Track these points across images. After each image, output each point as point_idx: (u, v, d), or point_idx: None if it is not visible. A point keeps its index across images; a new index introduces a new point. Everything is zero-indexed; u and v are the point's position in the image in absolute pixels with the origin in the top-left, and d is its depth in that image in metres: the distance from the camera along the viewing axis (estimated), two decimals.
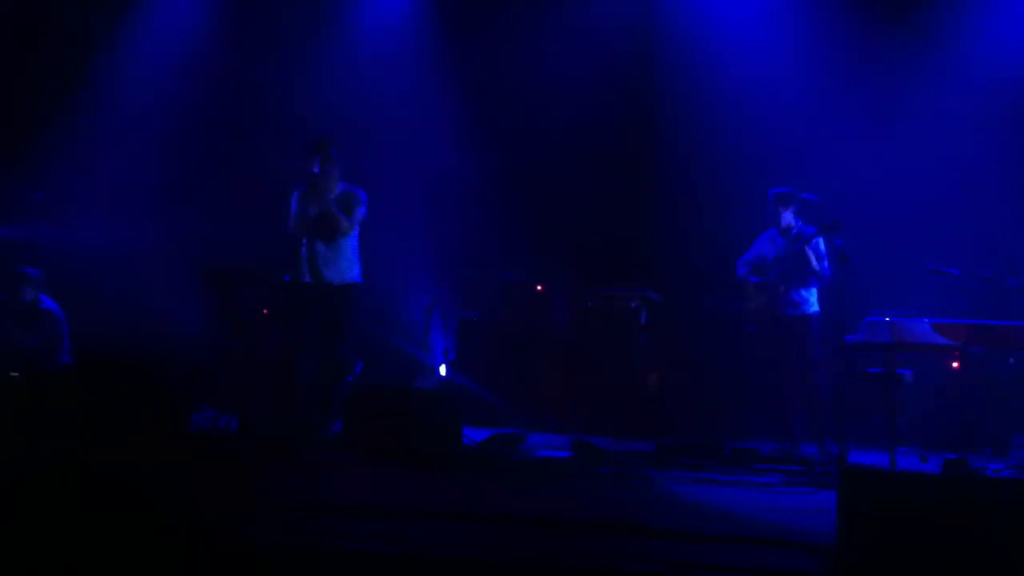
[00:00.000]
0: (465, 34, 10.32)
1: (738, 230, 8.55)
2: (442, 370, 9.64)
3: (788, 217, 8.14)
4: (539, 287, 9.97)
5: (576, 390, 9.46)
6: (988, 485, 5.10)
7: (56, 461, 4.62)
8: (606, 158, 10.11)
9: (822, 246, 8.03)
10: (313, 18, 10.52)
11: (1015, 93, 9.07)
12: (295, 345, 7.78)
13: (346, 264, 7.82)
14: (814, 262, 7.97)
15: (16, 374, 8.16)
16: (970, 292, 8.09)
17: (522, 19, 10.22)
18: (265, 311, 8.51)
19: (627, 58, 10.06)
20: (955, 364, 8.31)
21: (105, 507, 4.37)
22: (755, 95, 9.64)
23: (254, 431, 7.54)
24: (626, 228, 9.99)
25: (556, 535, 5.01)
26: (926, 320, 7.72)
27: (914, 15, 9.36)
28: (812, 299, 8.11)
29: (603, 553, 4.71)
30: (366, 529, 4.89)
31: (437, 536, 4.85)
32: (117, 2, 10.49)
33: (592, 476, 6.88)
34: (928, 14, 9.37)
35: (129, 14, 10.53)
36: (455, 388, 9.18)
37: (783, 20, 9.83)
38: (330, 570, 4.45)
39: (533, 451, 7.68)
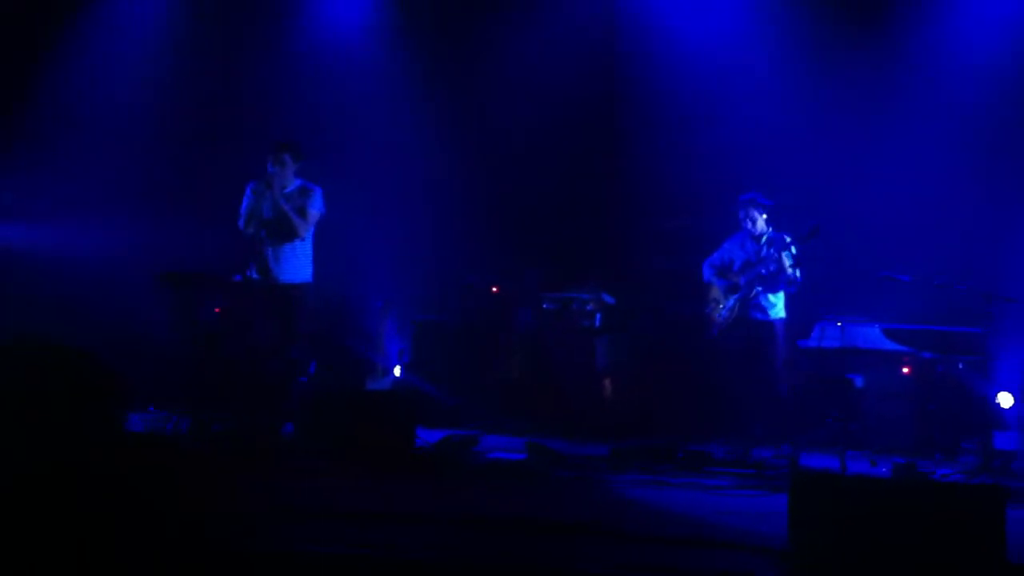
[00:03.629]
0: (430, 40, 10.29)
1: (697, 234, 8.58)
2: (396, 371, 9.60)
3: (760, 222, 8.14)
4: (495, 289, 9.95)
5: (531, 392, 9.44)
6: (935, 489, 5.16)
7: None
8: (567, 162, 10.12)
9: (794, 251, 8.05)
10: (278, 23, 10.42)
11: (973, 103, 9.17)
12: (247, 345, 7.71)
13: (297, 264, 7.75)
14: (788, 268, 8.00)
15: None
16: (922, 298, 8.16)
17: (487, 24, 10.20)
18: (217, 310, 8.43)
19: (589, 62, 10.07)
20: (906, 369, 8.39)
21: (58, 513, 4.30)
22: (716, 101, 9.70)
23: (206, 433, 7.45)
24: (587, 231, 10.01)
25: (508, 537, 4.99)
26: (877, 325, 7.77)
27: (875, 25, 9.45)
28: (780, 304, 8.12)
29: (555, 555, 4.69)
30: (316, 532, 4.84)
31: (386, 537, 4.80)
32: (74, 4, 10.32)
33: (546, 479, 6.87)
34: (889, 23, 9.46)
35: (87, 16, 10.35)
36: (409, 389, 9.17)
37: (745, 28, 9.89)
38: (282, 573, 4.40)
39: (486, 453, 7.66)
